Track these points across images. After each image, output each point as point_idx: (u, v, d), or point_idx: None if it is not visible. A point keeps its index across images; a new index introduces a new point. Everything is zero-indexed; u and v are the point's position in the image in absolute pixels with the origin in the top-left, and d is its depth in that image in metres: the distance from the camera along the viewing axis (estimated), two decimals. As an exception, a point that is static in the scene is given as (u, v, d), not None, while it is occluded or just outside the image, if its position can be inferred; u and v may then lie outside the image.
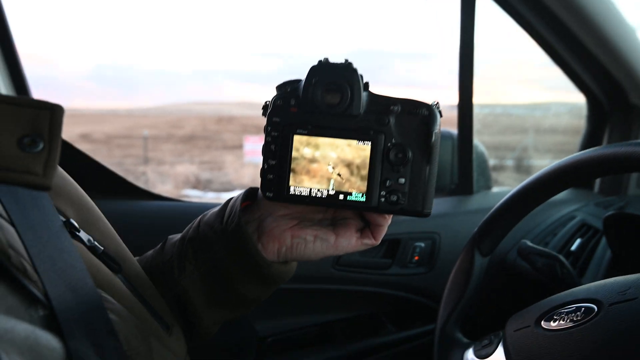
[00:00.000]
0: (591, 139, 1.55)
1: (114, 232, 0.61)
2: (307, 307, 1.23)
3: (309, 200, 0.53)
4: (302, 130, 0.52)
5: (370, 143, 0.52)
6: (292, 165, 0.53)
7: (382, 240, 0.59)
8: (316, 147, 0.52)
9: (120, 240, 0.61)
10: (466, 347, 0.79)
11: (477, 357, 0.74)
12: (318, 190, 0.53)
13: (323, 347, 1.22)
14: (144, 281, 0.60)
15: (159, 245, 0.68)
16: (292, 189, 0.53)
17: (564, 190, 0.80)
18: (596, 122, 1.52)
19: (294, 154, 0.53)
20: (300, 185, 0.53)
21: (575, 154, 0.72)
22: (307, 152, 0.52)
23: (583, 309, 0.64)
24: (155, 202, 1.22)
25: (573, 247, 1.16)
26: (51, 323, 0.40)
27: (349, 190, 0.52)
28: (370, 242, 0.58)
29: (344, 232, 0.58)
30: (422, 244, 1.24)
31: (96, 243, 0.54)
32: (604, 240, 1.15)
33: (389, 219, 0.57)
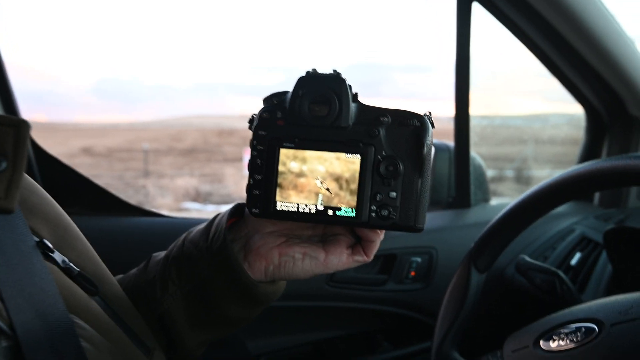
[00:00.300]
0: (590, 151, 1.52)
1: (93, 251, 0.58)
2: (300, 324, 1.20)
3: (297, 216, 0.51)
4: (288, 143, 0.50)
5: (359, 156, 0.50)
6: (279, 180, 0.51)
7: (377, 256, 0.57)
8: (303, 160, 0.51)
9: (99, 260, 0.58)
10: (463, 368, 0.76)
11: (474, 379, 0.71)
12: (306, 205, 0.51)
13: (317, 365, 1.19)
14: (123, 303, 0.58)
15: (142, 264, 0.66)
16: (279, 204, 0.51)
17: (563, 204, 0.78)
18: (595, 134, 1.50)
19: (280, 168, 0.51)
20: (288, 200, 0.51)
21: (574, 167, 0.70)
22: (294, 166, 0.51)
23: (583, 329, 0.62)
24: (144, 218, 1.20)
25: (573, 262, 1.13)
26: (16, 355, 0.37)
27: (338, 205, 0.51)
28: (361, 258, 0.56)
29: (334, 249, 0.56)
30: (419, 259, 1.21)
31: (71, 264, 0.51)
32: (604, 254, 1.12)
33: (381, 235, 0.55)
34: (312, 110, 0.50)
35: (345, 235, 0.56)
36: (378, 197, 0.50)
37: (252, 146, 0.52)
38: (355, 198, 0.50)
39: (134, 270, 0.66)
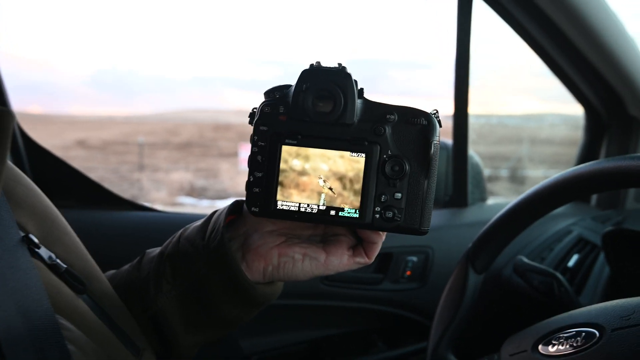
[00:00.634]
0: (589, 150, 1.51)
1: (82, 247, 0.56)
2: (294, 323, 1.19)
3: (298, 216, 0.50)
4: (291, 140, 0.49)
5: (364, 155, 0.48)
6: (280, 178, 0.49)
7: None
8: (306, 158, 0.49)
9: (88, 256, 0.56)
10: (459, 371, 0.75)
11: (471, 383, 0.70)
12: (308, 205, 0.49)
13: (311, 365, 1.18)
14: (113, 301, 0.56)
15: (135, 260, 0.64)
16: (279, 203, 0.50)
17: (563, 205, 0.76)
18: (594, 133, 1.49)
19: (282, 165, 0.49)
20: (289, 199, 0.49)
21: (576, 167, 0.68)
22: (297, 163, 0.49)
23: (584, 334, 0.60)
24: (137, 212, 1.18)
25: (570, 264, 1.12)
26: None
27: (341, 206, 0.49)
28: (363, 260, 0.55)
29: (335, 250, 0.54)
30: (415, 259, 1.20)
31: (58, 261, 0.50)
32: (601, 256, 1.11)
33: (383, 236, 0.54)
34: (316, 105, 0.48)
35: (346, 235, 0.55)
36: (383, 198, 0.49)
37: (253, 142, 0.50)
38: (359, 198, 0.49)
39: (126, 267, 0.64)
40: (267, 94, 0.51)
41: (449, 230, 1.27)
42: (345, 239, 0.55)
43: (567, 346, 0.61)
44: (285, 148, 0.49)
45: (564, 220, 1.28)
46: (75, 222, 0.58)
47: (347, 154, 0.48)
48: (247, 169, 0.51)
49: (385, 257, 1.18)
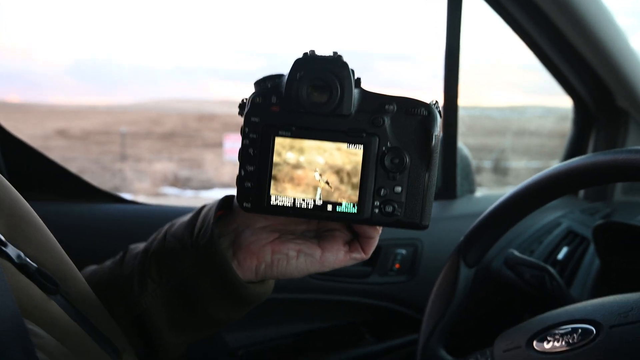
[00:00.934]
0: (577, 142, 1.51)
1: (56, 244, 0.53)
2: (281, 317, 1.17)
3: (293, 211, 0.47)
4: (284, 132, 0.46)
5: (362, 147, 0.46)
6: (274, 172, 0.47)
7: None
8: (301, 151, 0.46)
9: (63, 254, 0.53)
10: (451, 367, 0.73)
11: (464, 378, 0.68)
12: (303, 200, 0.47)
13: (298, 359, 1.15)
14: (90, 301, 0.53)
15: (118, 256, 0.61)
16: (273, 198, 0.47)
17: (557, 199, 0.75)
18: (582, 125, 1.49)
19: (275, 158, 0.46)
20: (283, 194, 0.47)
21: (570, 160, 0.67)
22: (291, 156, 0.46)
23: (580, 330, 0.59)
24: (119, 205, 1.14)
25: (560, 256, 1.12)
26: None
27: (339, 200, 0.47)
28: (359, 256, 0.52)
29: (330, 245, 0.52)
30: (404, 251, 1.18)
31: (28, 260, 0.46)
32: (591, 248, 1.11)
33: (379, 231, 0.52)
34: (311, 95, 0.46)
35: (342, 231, 0.53)
36: (382, 192, 0.46)
37: (244, 134, 0.47)
38: (357, 193, 0.46)
39: (108, 263, 0.61)
40: (258, 83, 0.49)
41: (438, 222, 1.25)
42: (341, 234, 0.52)
43: (563, 343, 0.59)
44: (278, 140, 0.46)
45: (552, 213, 1.27)
46: (52, 216, 0.55)
47: (344, 146, 0.46)
48: (232, 160, 0.48)
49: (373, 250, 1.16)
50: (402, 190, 0.46)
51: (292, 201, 0.47)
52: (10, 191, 0.50)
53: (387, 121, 0.46)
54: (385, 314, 1.21)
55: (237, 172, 0.48)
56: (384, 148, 0.46)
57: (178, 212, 1.09)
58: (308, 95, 0.46)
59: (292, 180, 0.47)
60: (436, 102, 0.48)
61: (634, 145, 1.38)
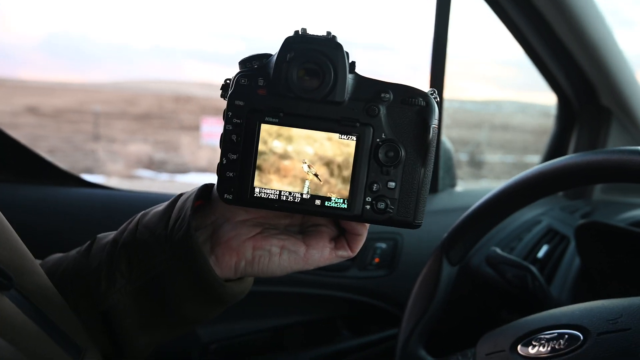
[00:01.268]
0: (559, 139, 1.51)
1: (12, 233, 0.48)
2: (257, 310, 1.13)
3: (278, 205, 0.43)
4: (271, 118, 0.42)
5: (355, 137, 0.42)
6: (259, 162, 0.43)
7: None
8: (289, 140, 0.42)
9: (19, 245, 0.48)
10: (431, 368, 0.71)
11: (445, 381, 0.67)
12: (290, 193, 0.43)
13: (273, 354, 1.13)
14: (50, 295, 0.48)
15: (84, 246, 0.56)
16: (257, 190, 0.43)
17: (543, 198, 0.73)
18: (565, 122, 1.49)
19: (260, 147, 0.42)
20: (268, 186, 0.43)
21: (560, 159, 0.65)
22: (278, 145, 0.42)
23: (566, 336, 0.57)
24: (87, 189, 1.07)
25: (540, 254, 1.11)
26: None
27: (328, 195, 0.43)
28: (346, 253, 0.49)
29: (315, 242, 0.48)
30: (384, 245, 1.16)
31: None
32: (571, 247, 1.11)
33: (367, 227, 0.48)
34: (302, 79, 0.41)
35: (328, 226, 0.49)
36: (374, 187, 0.43)
37: (227, 118, 0.43)
38: (347, 187, 0.43)
39: (73, 252, 0.56)
40: (243, 63, 0.44)
41: (419, 216, 1.23)
42: (327, 230, 0.49)
43: (548, 348, 0.58)
44: (264, 127, 0.42)
45: (532, 210, 1.27)
46: (12, 200, 0.50)
47: (335, 136, 0.42)
48: (209, 144, 0.44)
49: (353, 243, 1.13)
50: (395, 186, 0.43)
51: (278, 194, 0.43)
52: None
53: (382, 111, 0.43)
54: (363, 309, 1.19)
55: (214, 156, 0.44)
56: (378, 140, 0.43)
57: (152, 199, 1.04)
58: (298, 79, 0.42)
59: (278, 171, 0.43)
60: (434, 91, 0.44)
61: (616, 143, 1.38)
